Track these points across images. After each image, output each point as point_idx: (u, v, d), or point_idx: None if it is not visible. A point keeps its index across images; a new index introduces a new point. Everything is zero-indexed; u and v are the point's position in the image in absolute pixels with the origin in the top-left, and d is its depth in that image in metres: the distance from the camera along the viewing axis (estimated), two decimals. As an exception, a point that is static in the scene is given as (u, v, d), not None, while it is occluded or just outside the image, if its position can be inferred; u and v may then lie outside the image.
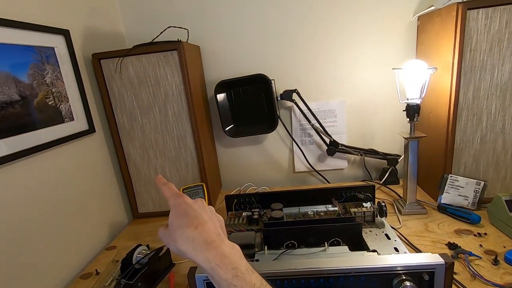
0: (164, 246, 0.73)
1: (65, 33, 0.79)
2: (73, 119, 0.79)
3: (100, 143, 0.92)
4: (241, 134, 1.07)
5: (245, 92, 1.05)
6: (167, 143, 0.94)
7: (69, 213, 0.77)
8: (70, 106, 0.79)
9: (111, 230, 0.93)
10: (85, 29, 0.88)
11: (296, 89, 1.04)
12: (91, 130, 0.86)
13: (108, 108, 0.91)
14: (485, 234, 0.72)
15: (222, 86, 1.02)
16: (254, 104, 1.05)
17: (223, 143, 1.17)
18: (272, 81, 1.01)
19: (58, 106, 0.75)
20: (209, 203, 0.96)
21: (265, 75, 0.99)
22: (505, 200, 0.72)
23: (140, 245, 0.72)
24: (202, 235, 0.39)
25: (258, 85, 1.03)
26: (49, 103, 0.72)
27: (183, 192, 0.87)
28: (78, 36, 0.85)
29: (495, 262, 0.62)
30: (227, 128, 1.06)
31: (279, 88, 1.06)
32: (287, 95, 1.04)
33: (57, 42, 0.76)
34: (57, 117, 0.74)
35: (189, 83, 0.89)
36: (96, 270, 0.75)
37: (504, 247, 0.67)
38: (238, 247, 0.41)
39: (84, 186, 0.84)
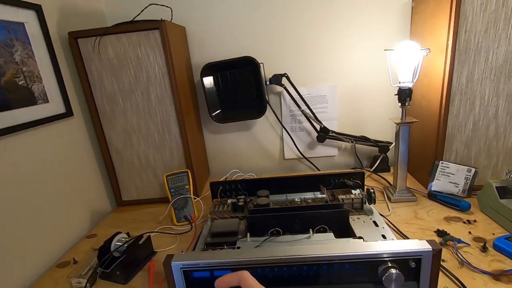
0: (145, 233, 0.70)
1: (37, 9, 0.73)
2: (47, 101, 0.75)
3: (79, 128, 0.88)
4: (228, 119, 1.04)
5: (232, 76, 1.00)
6: (150, 128, 0.91)
7: (46, 200, 0.74)
8: (44, 87, 0.74)
9: (92, 217, 0.90)
10: (61, 6, 0.83)
11: (285, 73, 1.01)
12: (68, 113, 0.82)
13: (87, 91, 0.87)
14: (475, 221, 0.71)
15: (209, 69, 0.98)
16: (242, 88, 1.01)
17: (210, 129, 1.14)
18: (261, 65, 0.97)
19: (30, 86, 0.70)
20: (195, 191, 0.94)
21: (253, 58, 0.95)
22: (496, 187, 0.71)
23: (119, 232, 0.69)
24: None
25: (246, 68, 0.99)
26: (20, 83, 0.67)
27: (167, 179, 0.84)
28: (52, 12, 0.79)
29: (484, 249, 0.61)
30: (214, 114, 1.02)
31: (268, 72, 1.02)
32: (277, 79, 1.00)
33: (27, 18, 0.70)
34: (29, 98, 0.70)
35: (173, 65, 0.84)
36: (73, 258, 0.72)
37: (493, 234, 0.66)
38: None
39: (63, 172, 0.80)
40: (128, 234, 0.71)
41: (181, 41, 0.97)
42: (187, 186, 0.85)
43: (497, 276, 0.54)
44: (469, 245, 0.63)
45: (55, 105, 0.78)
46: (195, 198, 0.85)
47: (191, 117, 0.99)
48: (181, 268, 0.50)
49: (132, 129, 0.91)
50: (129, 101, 0.88)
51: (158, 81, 0.86)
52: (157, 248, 0.72)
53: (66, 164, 0.82)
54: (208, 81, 1.00)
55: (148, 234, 0.72)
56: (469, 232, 0.67)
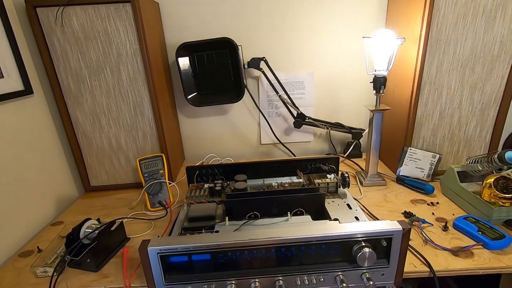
0: (117, 219, 0.67)
1: (-13, -30, 0.64)
2: (2, 76, 0.67)
3: (41, 107, 0.81)
4: (205, 103, 1.01)
5: (209, 58, 0.97)
6: (122, 109, 0.86)
7: (3, 184, 0.68)
8: (-3, 60, 0.66)
9: (58, 204, 0.85)
10: (15, -31, 0.74)
11: (264, 57, 0.99)
12: (27, 91, 0.74)
13: (49, 67, 0.79)
14: (437, 203, 0.76)
15: (184, 49, 0.93)
16: (219, 71, 0.98)
17: (186, 112, 1.10)
18: (239, 47, 0.94)
19: (-20, 59, 0.62)
20: (170, 176, 0.91)
21: (231, 40, 0.92)
22: (457, 172, 0.76)
23: (89, 219, 0.65)
24: None
25: (224, 50, 0.96)
26: (-32, 54, 0.60)
27: (140, 164, 0.80)
28: (5, -24, 0.71)
29: (445, 228, 0.66)
30: (189, 96, 0.99)
31: (246, 55, 0.99)
32: (255, 63, 0.99)
33: (-25, -21, 0.62)
34: (-20, 72, 0.62)
35: (146, 42, 0.79)
36: (38, 247, 0.67)
37: (453, 214, 0.71)
38: None
39: (22, 155, 0.73)
40: (98, 220, 0.68)
41: (154, 17, 0.91)
42: (161, 171, 0.82)
43: (456, 252, 0.59)
44: (432, 225, 0.68)
45: (12, 81, 0.70)
46: (170, 183, 0.83)
47: (165, 99, 0.95)
48: (158, 253, 0.48)
49: (101, 110, 0.85)
50: (97, 79, 0.82)
51: (129, 60, 0.81)
52: (130, 234, 0.70)
53: (26, 147, 0.75)
54: (184, 62, 0.96)
55: (120, 220, 0.69)
56: (433, 213, 0.72)
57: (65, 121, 0.85)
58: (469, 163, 0.75)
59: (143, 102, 0.85)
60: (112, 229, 0.65)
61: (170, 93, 1.02)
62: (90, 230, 0.62)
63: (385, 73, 0.79)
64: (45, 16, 0.75)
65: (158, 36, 0.94)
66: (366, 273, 0.52)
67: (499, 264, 0.56)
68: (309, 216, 0.62)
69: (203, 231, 0.59)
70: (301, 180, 0.79)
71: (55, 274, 0.58)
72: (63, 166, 0.88)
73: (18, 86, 0.72)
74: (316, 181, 0.77)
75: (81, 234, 0.62)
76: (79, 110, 0.85)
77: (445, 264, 0.57)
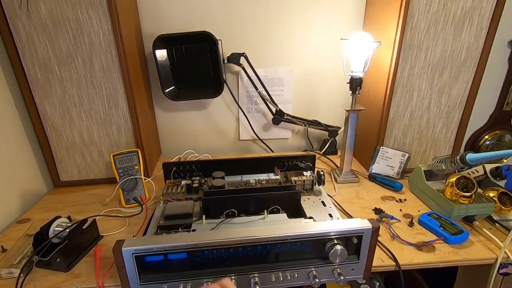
0: (89, 217, 0.65)
1: None
2: (-41, 64, 0.62)
3: (3, 97, 0.75)
4: (183, 97, 0.99)
5: (188, 51, 0.95)
6: (94, 102, 0.82)
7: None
8: (-47, 46, 0.61)
9: (24, 200, 0.80)
10: None
11: (244, 53, 0.98)
12: (-12, 80, 0.69)
13: (13, 55, 0.74)
14: (405, 200, 0.81)
15: (162, 41, 0.90)
16: (198, 65, 0.96)
17: (163, 106, 1.07)
18: (219, 42, 0.93)
19: None
20: (146, 171, 0.89)
21: (211, 34, 0.90)
22: (424, 170, 0.81)
23: (59, 217, 0.63)
24: None
25: (203, 44, 0.94)
26: None
27: (114, 159, 0.78)
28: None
29: (411, 224, 0.70)
30: (167, 90, 0.96)
31: (226, 50, 0.98)
32: (235, 58, 0.98)
33: None
34: None
35: (121, 33, 0.76)
36: (1, 246, 0.64)
37: (419, 211, 0.76)
38: None
39: (-18, 149, 0.69)
40: (69, 218, 0.65)
41: (129, 5, 0.87)
42: (136, 167, 0.80)
43: (419, 246, 0.63)
44: (399, 221, 0.72)
45: (-30, 69, 0.65)
46: (145, 179, 0.81)
47: (141, 92, 0.92)
48: (133, 253, 0.48)
49: (72, 102, 0.81)
50: (67, 70, 0.78)
51: (103, 50, 0.77)
52: (103, 232, 0.68)
53: (-12, 140, 0.70)
54: (161, 54, 0.93)
55: (93, 217, 0.67)
56: (400, 210, 0.76)
57: (31, 112, 0.80)
58: (435, 162, 0.80)
59: (117, 94, 0.82)
60: (84, 227, 0.63)
61: (147, 86, 0.99)
62: (61, 229, 0.60)
63: (361, 75, 0.81)
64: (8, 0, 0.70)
65: (134, 26, 0.90)
66: (338, 269, 0.54)
67: (457, 257, 0.61)
68: (285, 214, 0.64)
69: (179, 230, 0.59)
70: (278, 177, 0.80)
71: (21, 275, 0.55)
72: (28, 159, 0.84)
73: (-22, 74, 0.67)
74: (293, 178, 0.78)
75: (51, 233, 0.60)
76: (47, 101, 0.80)
77: (410, 258, 0.61)
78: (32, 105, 0.79)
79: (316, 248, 0.53)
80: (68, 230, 0.60)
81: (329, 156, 1.08)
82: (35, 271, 0.57)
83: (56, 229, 0.60)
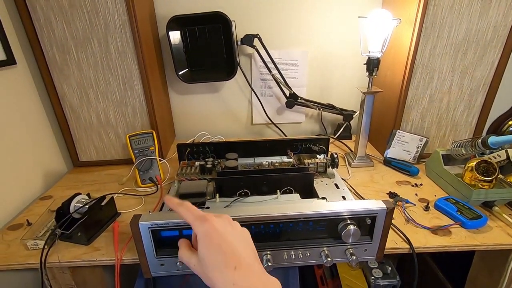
0: (107, 195, 0.68)
1: None
2: (-18, 44, 0.64)
3: (24, 79, 0.78)
4: (196, 80, 0.99)
5: (202, 33, 0.94)
6: (110, 84, 0.83)
7: (-12, 158, 0.66)
8: (-24, 27, 0.63)
9: (46, 179, 0.84)
10: None
11: (258, 34, 0.97)
12: (10, 61, 0.71)
13: (32, 36, 0.75)
14: (421, 184, 0.79)
15: (175, 22, 0.90)
16: (211, 47, 0.96)
17: (176, 89, 1.08)
18: (233, 23, 0.91)
19: (-43, 24, 0.59)
20: (161, 153, 0.91)
21: (224, 14, 0.89)
22: (442, 155, 0.79)
23: (79, 193, 0.65)
24: (242, 279, 0.35)
25: (217, 25, 0.93)
26: None
27: (129, 140, 0.79)
28: None
29: (426, 208, 0.69)
30: (180, 72, 0.96)
31: (239, 31, 0.97)
32: (248, 40, 0.96)
33: None
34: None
35: (135, 14, 0.76)
36: (27, 220, 0.67)
37: (435, 195, 0.74)
38: (277, 282, 0.37)
39: (7, 128, 0.71)
40: (88, 195, 0.68)
41: (144, -13, 0.87)
42: (151, 148, 0.81)
43: (434, 230, 0.62)
44: (414, 205, 0.71)
45: (-8, 50, 0.67)
46: (160, 160, 0.83)
47: (155, 74, 0.92)
48: (149, 227, 0.49)
49: (89, 84, 0.83)
50: (84, 51, 0.79)
51: (118, 31, 0.77)
52: (120, 209, 0.70)
53: (10, 119, 0.73)
54: (175, 36, 0.93)
55: (111, 195, 0.69)
56: (416, 194, 0.75)
57: (51, 93, 0.82)
58: (454, 147, 0.78)
59: (133, 76, 0.83)
60: (102, 204, 0.65)
61: (161, 68, 1.00)
62: (81, 205, 0.63)
63: (379, 55, 0.79)
64: (26, -20, 0.70)
65: (148, 7, 0.90)
66: (350, 249, 0.54)
67: (474, 242, 0.60)
68: (298, 194, 0.64)
69: (194, 207, 0.60)
70: (291, 159, 0.80)
71: (45, 246, 0.58)
72: (50, 140, 0.87)
73: (0, 55, 0.69)
74: (306, 161, 0.78)
75: (71, 209, 0.62)
76: (66, 83, 0.82)
77: (424, 241, 0.60)
78: (52, 86, 0.82)
79: (329, 227, 0.53)
80: (87, 206, 0.62)
81: (344, 141, 1.06)
82: (58, 243, 0.60)
83: (77, 204, 0.63)
